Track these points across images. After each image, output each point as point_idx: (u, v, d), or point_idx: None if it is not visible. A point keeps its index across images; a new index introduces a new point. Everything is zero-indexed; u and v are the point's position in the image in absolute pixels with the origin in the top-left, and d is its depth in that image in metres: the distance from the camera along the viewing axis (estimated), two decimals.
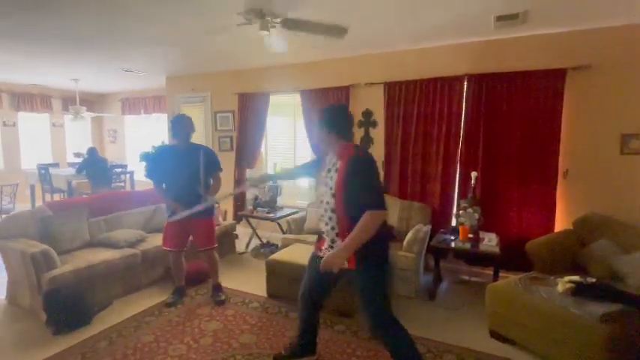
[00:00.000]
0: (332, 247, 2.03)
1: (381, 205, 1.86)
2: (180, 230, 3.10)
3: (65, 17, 3.17)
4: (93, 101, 8.33)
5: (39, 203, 6.56)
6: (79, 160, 6.81)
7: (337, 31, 2.86)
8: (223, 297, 3.22)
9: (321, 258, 2.02)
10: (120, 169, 6.99)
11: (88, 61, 4.93)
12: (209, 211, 3.11)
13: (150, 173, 3.13)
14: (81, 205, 3.70)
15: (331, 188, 1.97)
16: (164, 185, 3.10)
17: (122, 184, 6.99)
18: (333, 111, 2.12)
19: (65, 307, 2.75)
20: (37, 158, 7.37)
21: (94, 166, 6.19)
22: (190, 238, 3.21)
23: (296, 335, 2.41)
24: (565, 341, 2.23)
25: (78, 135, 8.42)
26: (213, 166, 3.11)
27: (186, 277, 3.41)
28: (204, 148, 3.17)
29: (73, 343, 2.59)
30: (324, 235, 2.09)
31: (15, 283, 3.16)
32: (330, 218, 2.00)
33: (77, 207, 3.64)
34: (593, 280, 2.47)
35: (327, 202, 2.00)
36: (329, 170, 2.03)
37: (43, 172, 6.39)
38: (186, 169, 2.97)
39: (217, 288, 3.29)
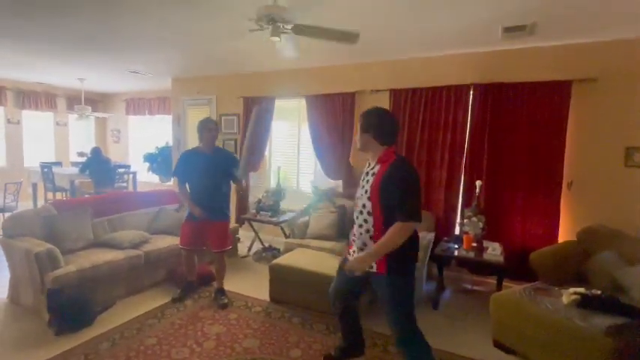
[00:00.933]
0: (362, 250, 2.02)
1: (413, 217, 1.84)
2: (197, 230, 3.18)
3: (74, 18, 3.20)
4: (97, 101, 8.36)
5: (41, 202, 6.57)
6: (83, 159, 6.82)
7: (349, 37, 2.89)
8: (226, 300, 3.22)
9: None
10: (123, 170, 7.00)
11: (94, 61, 4.96)
12: (226, 214, 3.21)
13: (176, 171, 3.23)
14: (85, 205, 3.70)
15: (367, 191, 1.97)
16: (187, 186, 3.19)
17: (125, 184, 6.99)
18: (378, 114, 2.03)
19: (68, 307, 2.75)
20: (41, 157, 7.38)
21: (98, 165, 6.20)
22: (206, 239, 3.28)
23: (342, 340, 2.44)
24: (569, 353, 2.23)
25: (82, 134, 8.44)
26: (236, 170, 3.16)
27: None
28: (229, 154, 3.27)
29: (76, 344, 2.58)
30: (355, 238, 2.08)
31: (18, 282, 3.16)
32: (365, 220, 1.99)
33: (82, 207, 3.64)
34: (598, 292, 2.47)
35: (364, 205, 1.99)
36: (367, 173, 2.04)
37: (46, 170, 6.40)
38: (207, 172, 3.06)
39: (221, 291, 3.30)
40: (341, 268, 2.22)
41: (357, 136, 2.07)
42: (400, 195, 1.85)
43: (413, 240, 1.95)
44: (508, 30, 3.09)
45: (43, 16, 3.20)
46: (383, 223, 1.92)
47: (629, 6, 2.58)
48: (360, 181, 2.09)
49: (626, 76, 3.21)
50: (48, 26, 3.47)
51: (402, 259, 1.93)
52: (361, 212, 2.01)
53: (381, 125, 1.99)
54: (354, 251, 2.09)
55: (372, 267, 1.97)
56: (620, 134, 3.26)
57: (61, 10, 3.02)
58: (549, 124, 3.43)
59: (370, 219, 1.97)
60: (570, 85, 3.33)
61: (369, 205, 1.96)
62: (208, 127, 3.10)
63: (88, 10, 3.00)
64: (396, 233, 1.84)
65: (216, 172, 3.07)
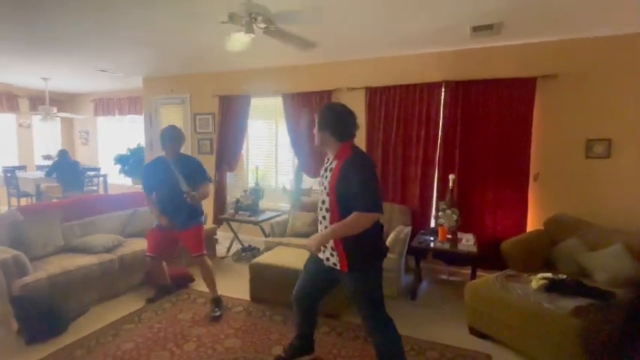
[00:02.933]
0: (326, 247, 2.04)
1: (370, 208, 1.85)
2: (164, 238, 3.09)
3: (38, 13, 3.06)
4: (63, 101, 7.99)
5: (4, 208, 6.23)
6: (49, 162, 6.53)
7: (307, 45, 3.01)
8: (219, 313, 2.99)
9: (319, 259, 2.08)
10: (93, 173, 6.74)
11: (60, 59, 4.75)
12: (197, 219, 3.10)
13: (142, 183, 3.16)
14: (54, 210, 3.55)
15: (325, 188, 2.00)
16: (154, 195, 3.10)
17: (95, 187, 6.74)
18: (330, 110, 2.04)
19: (38, 314, 2.63)
20: (2, 160, 6.99)
21: (65, 169, 5.94)
22: (181, 245, 3.20)
23: (294, 336, 2.43)
24: (540, 335, 2.35)
25: (47, 136, 8.04)
26: (199, 177, 3.07)
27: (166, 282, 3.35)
28: (191, 160, 3.16)
29: (49, 352, 2.48)
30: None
31: None
32: (324, 217, 2.03)
33: (50, 211, 3.50)
34: (564, 276, 2.62)
35: (323, 202, 2.02)
36: (325, 169, 2.06)
37: (9, 175, 6.09)
38: (170, 181, 2.96)
39: (215, 301, 3.07)
40: (306, 267, 2.27)
41: (315, 133, 2.07)
42: (356, 188, 1.86)
43: (374, 236, 1.98)
44: (476, 29, 3.22)
45: (4, 11, 3.03)
46: (340, 219, 1.93)
47: (586, 9, 2.75)
48: (320, 178, 2.11)
49: (585, 72, 3.41)
50: (9, 22, 3.30)
51: (361, 256, 1.95)
52: (321, 208, 2.04)
53: (337, 122, 1.99)
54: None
55: (335, 264, 2.00)
56: (581, 127, 3.45)
57: (24, 4, 2.88)
58: (516, 119, 3.59)
59: (328, 215, 2.00)
60: (535, 81, 3.50)
61: (327, 201, 1.99)
62: (169, 136, 2.99)
63: (52, 5, 2.87)
64: (353, 220, 1.86)
65: (179, 180, 2.95)
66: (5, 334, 2.69)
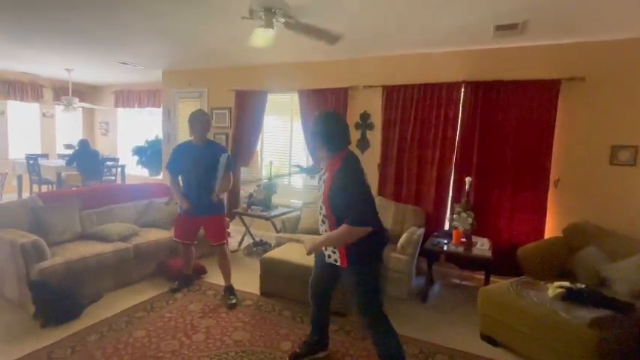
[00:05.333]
0: (326, 248, 2.12)
1: (357, 222, 1.87)
2: (191, 224, 3.16)
3: (65, 8, 3.12)
4: (85, 92, 8.19)
5: (26, 194, 6.44)
6: (69, 151, 6.69)
7: (332, 38, 2.95)
8: (234, 300, 3.10)
9: (325, 255, 2.14)
10: (111, 163, 6.89)
11: (83, 51, 4.86)
12: (219, 208, 3.17)
13: (169, 164, 3.19)
14: (73, 197, 3.64)
15: (321, 196, 2.05)
16: (180, 179, 3.16)
17: (113, 177, 6.88)
18: (321, 121, 2.04)
19: (54, 299, 2.71)
20: (26, 148, 7.21)
21: (85, 158, 6.09)
22: (202, 232, 3.25)
23: (309, 333, 2.46)
24: (554, 345, 2.28)
25: (69, 126, 8.26)
26: (226, 165, 3.08)
27: (177, 272, 3.39)
28: (219, 147, 3.20)
29: (63, 336, 2.55)
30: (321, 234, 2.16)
31: (2, 275, 3.09)
32: (323, 221, 2.10)
33: (69, 199, 3.58)
34: (583, 286, 2.54)
35: (321, 207, 2.08)
36: (320, 178, 2.11)
37: (31, 162, 6.27)
38: (197, 166, 3.01)
39: (229, 290, 3.19)
40: (316, 264, 2.33)
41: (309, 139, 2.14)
42: (344, 202, 1.90)
43: (374, 239, 2.00)
44: (500, 28, 3.13)
45: (33, 6, 3.11)
46: (337, 226, 1.97)
47: (619, 8, 2.63)
48: (318, 185, 2.16)
49: (613, 76, 3.28)
50: (37, 16, 3.38)
51: (362, 254, 1.99)
52: (320, 213, 2.10)
53: (328, 133, 2.00)
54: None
55: (336, 261, 2.06)
56: (606, 133, 3.33)
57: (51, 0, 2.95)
58: (538, 122, 3.48)
59: (327, 220, 2.05)
60: (559, 83, 3.39)
61: (324, 208, 2.04)
62: (199, 119, 3.05)
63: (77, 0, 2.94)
64: (341, 233, 1.90)
65: (207, 165, 3.01)
66: (23, 316, 2.77)
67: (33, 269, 2.79)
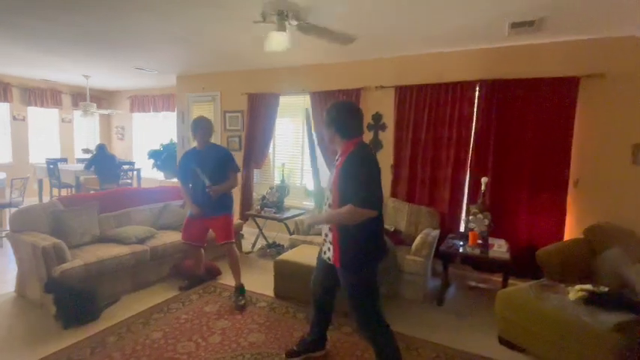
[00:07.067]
0: (325, 240, 2.11)
1: (364, 204, 1.85)
2: (199, 226, 3.23)
3: (82, 15, 3.21)
4: (102, 98, 8.39)
5: (46, 198, 6.61)
6: (87, 156, 6.86)
7: (346, 39, 2.93)
8: (243, 302, 3.11)
9: (325, 255, 2.14)
10: (127, 167, 7.03)
11: (100, 58, 4.98)
12: (227, 208, 3.20)
13: (178, 171, 3.31)
14: (91, 201, 3.72)
15: (331, 181, 2.03)
16: (191, 185, 3.25)
17: (129, 181, 7.02)
18: (336, 109, 2.07)
19: (74, 300, 2.77)
20: (46, 153, 7.43)
21: (103, 162, 6.23)
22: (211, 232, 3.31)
23: (308, 331, 2.47)
24: (576, 350, 2.22)
25: (86, 131, 8.48)
26: (227, 166, 3.16)
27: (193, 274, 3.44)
28: (219, 149, 3.26)
29: (82, 338, 2.60)
30: (322, 228, 2.15)
31: (25, 276, 3.18)
32: (327, 212, 2.07)
33: (88, 202, 3.66)
34: (606, 289, 2.46)
35: (327, 197, 2.07)
36: (333, 166, 2.09)
37: (51, 166, 6.44)
38: (201, 170, 3.07)
39: (239, 290, 3.19)
40: (317, 263, 2.33)
41: (324, 131, 2.12)
42: (352, 182, 1.88)
43: (371, 236, 1.97)
44: (515, 25, 3.07)
45: (52, 14, 3.20)
46: None
47: (638, 3, 2.55)
48: (330, 170, 2.14)
49: (633, 72, 3.18)
50: (56, 23, 3.48)
51: (354, 255, 1.97)
52: (325, 203, 2.09)
53: (341, 120, 2.02)
54: (323, 239, 2.15)
55: (329, 259, 2.07)
56: (628, 131, 3.23)
57: (69, 7, 3.03)
58: (556, 121, 3.40)
59: (332, 208, 2.02)
60: (578, 81, 3.30)
61: (330, 197, 2.02)
62: (201, 125, 3.12)
63: (95, 7, 3.01)
64: (346, 212, 1.87)
65: (210, 168, 3.07)
66: (45, 317, 2.84)
67: (54, 271, 2.85)
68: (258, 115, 5.20)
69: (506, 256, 3.16)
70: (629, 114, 3.22)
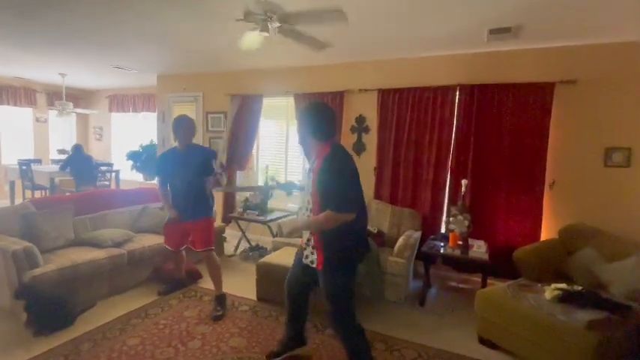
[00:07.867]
0: (307, 245, 2.10)
1: (341, 209, 1.87)
2: (180, 230, 3.11)
3: (59, 11, 3.10)
4: (79, 97, 8.13)
5: (19, 200, 6.35)
6: (63, 156, 6.63)
7: (319, 44, 2.98)
8: (221, 312, 2.97)
9: (303, 255, 2.15)
10: (105, 168, 6.83)
11: (77, 55, 4.82)
12: (207, 210, 3.09)
13: (157, 172, 3.16)
14: (66, 203, 3.59)
15: (309, 187, 2.03)
16: (168, 187, 3.11)
17: (107, 182, 6.83)
18: (307, 111, 2.06)
19: (47, 306, 2.66)
20: (19, 154, 7.13)
21: (79, 163, 6.03)
22: (190, 238, 3.18)
23: (285, 330, 2.45)
24: (552, 347, 2.28)
25: (62, 131, 8.19)
26: (209, 167, 3.04)
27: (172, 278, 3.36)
28: (204, 150, 3.16)
29: (55, 345, 2.50)
30: (303, 233, 2.15)
31: None
32: (308, 217, 2.06)
33: (62, 204, 3.54)
34: (580, 287, 2.54)
35: (308, 202, 2.06)
36: (310, 170, 2.08)
37: (24, 168, 6.20)
38: (180, 172, 2.97)
39: (218, 299, 3.06)
40: (294, 263, 2.33)
41: (297, 133, 2.12)
42: (329, 189, 1.89)
43: (352, 235, 1.99)
44: (493, 32, 3.15)
45: (28, 10, 3.09)
46: None
47: (609, 13, 2.66)
48: (305, 178, 2.14)
49: (605, 78, 3.31)
50: (32, 20, 3.35)
51: (338, 257, 2.00)
52: (306, 209, 2.08)
53: (315, 122, 2.02)
54: (305, 242, 2.15)
55: (312, 262, 2.08)
56: (600, 135, 3.35)
57: (46, 3, 2.92)
58: (532, 125, 3.50)
59: (311, 215, 2.03)
60: (553, 86, 3.41)
61: (311, 201, 2.02)
62: (182, 124, 2.97)
63: (73, 3, 2.91)
64: (322, 217, 1.90)
65: (189, 170, 2.94)
66: (14, 325, 2.72)
67: (25, 276, 2.74)
68: (241, 116, 5.15)
69: (486, 256, 3.23)
70: (601, 118, 3.34)
